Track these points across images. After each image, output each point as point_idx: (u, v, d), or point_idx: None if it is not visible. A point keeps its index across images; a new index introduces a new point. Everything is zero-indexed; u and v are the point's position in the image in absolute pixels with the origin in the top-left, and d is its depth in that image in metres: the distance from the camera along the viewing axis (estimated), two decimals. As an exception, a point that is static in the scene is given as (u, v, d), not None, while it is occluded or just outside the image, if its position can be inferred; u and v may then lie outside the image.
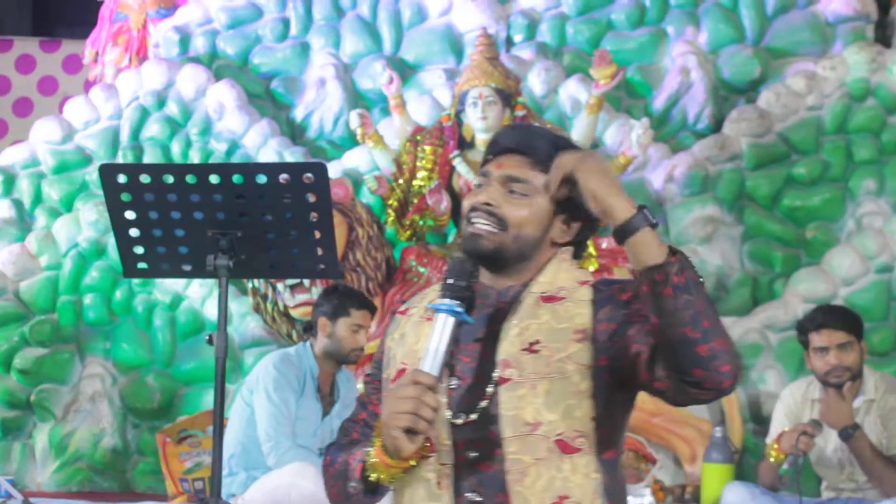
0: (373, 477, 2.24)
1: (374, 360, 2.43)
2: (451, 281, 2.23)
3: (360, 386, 6.14)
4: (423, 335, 2.28)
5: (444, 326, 2.20)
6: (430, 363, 2.19)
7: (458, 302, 2.21)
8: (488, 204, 2.30)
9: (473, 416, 2.22)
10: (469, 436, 2.22)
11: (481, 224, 2.30)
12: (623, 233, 2.15)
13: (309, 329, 5.24)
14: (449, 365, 2.24)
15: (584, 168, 2.18)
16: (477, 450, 2.22)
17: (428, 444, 2.21)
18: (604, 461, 2.25)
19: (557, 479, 2.19)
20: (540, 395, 2.20)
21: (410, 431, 2.15)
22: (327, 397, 5.18)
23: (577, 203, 2.26)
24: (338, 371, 5.22)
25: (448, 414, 2.24)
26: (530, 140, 2.34)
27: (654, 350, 2.16)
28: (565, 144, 2.35)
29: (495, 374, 2.22)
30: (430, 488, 2.23)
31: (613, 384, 2.23)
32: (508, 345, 2.24)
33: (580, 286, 2.29)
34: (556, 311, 2.25)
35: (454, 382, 2.26)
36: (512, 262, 2.32)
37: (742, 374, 2.17)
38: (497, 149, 2.36)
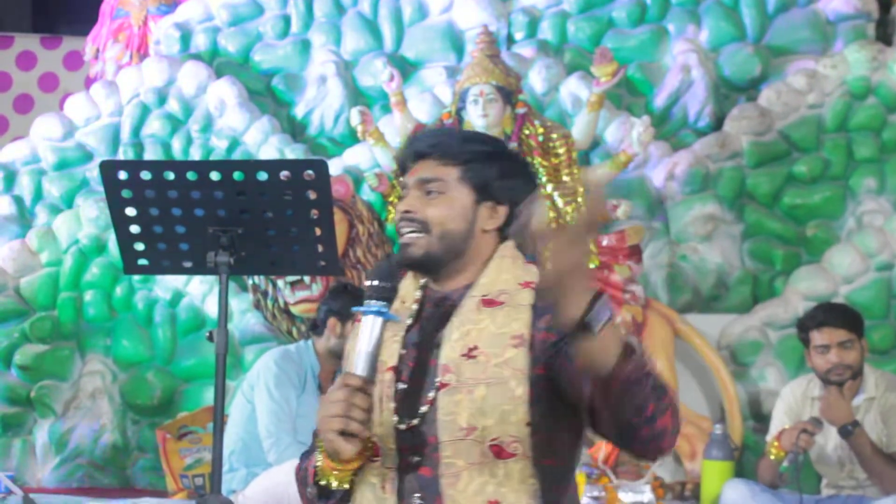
0: (323, 481, 2.28)
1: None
2: (374, 282, 2.25)
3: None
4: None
5: (371, 328, 2.24)
6: (361, 365, 2.23)
7: (382, 303, 2.24)
8: (408, 211, 2.32)
9: (415, 421, 2.25)
10: (411, 440, 2.24)
11: (407, 232, 2.32)
12: (579, 333, 1.99)
13: (315, 328, 5.23)
14: (397, 370, 2.28)
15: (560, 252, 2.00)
16: (418, 454, 2.24)
17: (371, 447, 2.24)
18: (543, 468, 2.24)
19: (490, 484, 2.20)
20: (476, 401, 2.21)
21: (346, 434, 2.18)
22: None
23: (498, 185, 2.31)
24: (338, 369, 5.22)
25: (394, 419, 2.27)
26: (433, 140, 2.36)
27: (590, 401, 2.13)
28: (472, 136, 2.41)
29: (437, 380, 2.25)
30: (376, 492, 2.26)
31: (552, 393, 2.22)
32: (449, 350, 2.26)
33: (522, 289, 2.29)
34: (495, 317, 2.26)
35: (401, 387, 2.29)
36: (447, 261, 2.33)
37: (678, 434, 2.13)
38: (408, 160, 2.39)
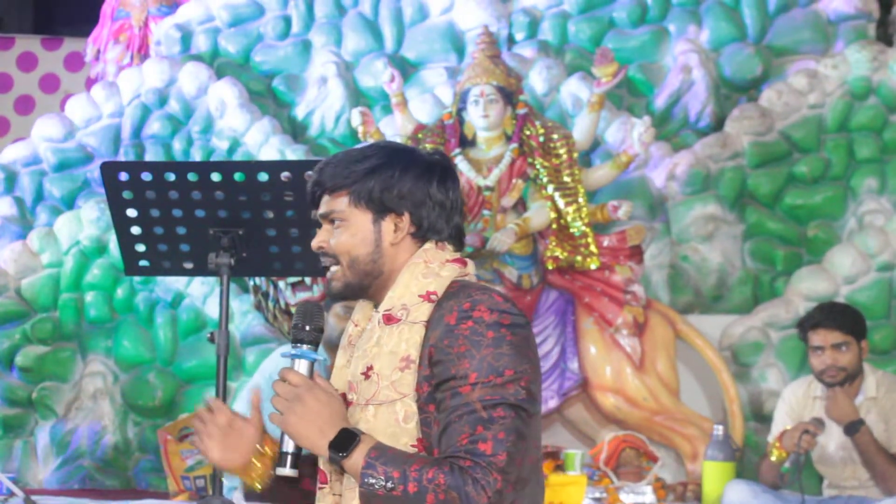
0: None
1: None
2: (303, 327, 2.30)
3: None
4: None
5: (298, 370, 2.29)
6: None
7: (309, 346, 2.30)
8: (319, 247, 2.37)
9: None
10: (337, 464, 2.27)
11: (327, 268, 2.36)
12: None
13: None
14: (345, 396, 2.32)
15: (286, 419, 2.24)
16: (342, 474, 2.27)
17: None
18: None
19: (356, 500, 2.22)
20: (370, 420, 2.23)
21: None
22: None
23: (388, 198, 2.31)
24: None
25: None
26: (317, 176, 2.38)
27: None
28: (353, 156, 2.36)
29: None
30: None
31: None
32: (354, 367, 2.29)
33: (421, 303, 2.26)
34: (391, 335, 2.26)
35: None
36: (368, 285, 2.34)
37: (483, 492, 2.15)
38: (310, 198, 2.41)
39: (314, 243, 2.37)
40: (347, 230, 2.33)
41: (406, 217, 2.33)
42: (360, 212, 2.33)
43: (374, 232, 2.33)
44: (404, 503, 2.13)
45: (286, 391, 2.23)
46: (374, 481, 2.13)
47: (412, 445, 2.20)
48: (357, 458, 2.16)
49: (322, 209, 2.37)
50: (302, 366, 2.28)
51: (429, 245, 2.35)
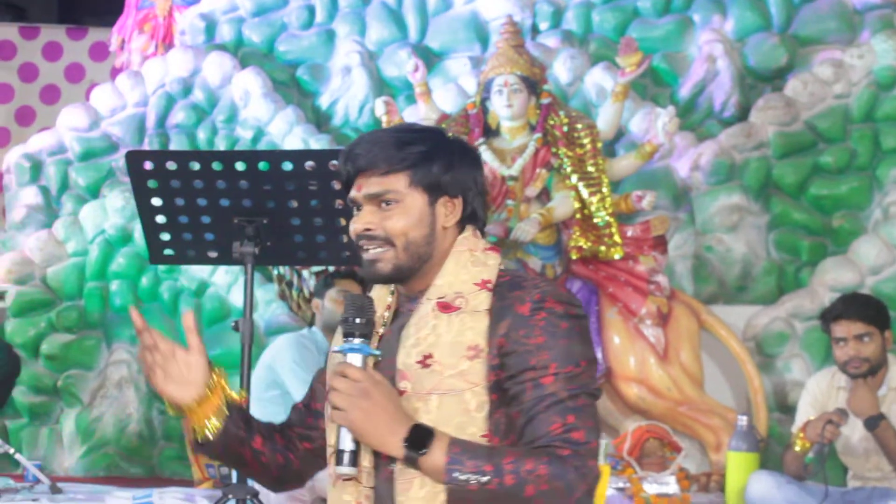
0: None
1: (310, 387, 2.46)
2: (354, 320, 2.23)
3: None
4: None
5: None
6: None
7: (360, 340, 2.22)
8: (367, 229, 2.28)
9: None
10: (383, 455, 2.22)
11: (371, 250, 2.28)
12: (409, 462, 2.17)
13: (311, 324, 5.41)
14: None
15: (351, 415, 2.17)
16: (382, 461, 2.21)
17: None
18: None
19: (442, 493, 2.16)
20: (432, 411, 2.19)
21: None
22: None
23: (448, 180, 2.28)
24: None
25: None
26: (371, 152, 2.30)
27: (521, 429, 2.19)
28: (408, 138, 2.31)
29: (396, 386, 2.22)
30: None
31: (509, 400, 2.21)
32: (405, 355, 2.22)
33: (479, 291, 2.24)
34: (451, 323, 2.22)
35: None
36: (417, 269, 2.30)
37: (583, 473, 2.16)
38: (349, 174, 2.33)
39: (360, 225, 2.29)
40: (404, 211, 2.28)
41: (458, 202, 2.32)
42: (418, 194, 2.28)
43: (429, 214, 2.30)
44: (499, 496, 2.12)
45: (348, 387, 2.15)
46: (464, 477, 2.11)
47: (482, 436, 2.18)
48: (438, 455, 2.12)
49: (372, 188, 2.29)
50: (356, 360, 2.20)
51: (467, 232, 2.33)
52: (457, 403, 2.19)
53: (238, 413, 2.37)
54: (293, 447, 2.41)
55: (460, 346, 2.20)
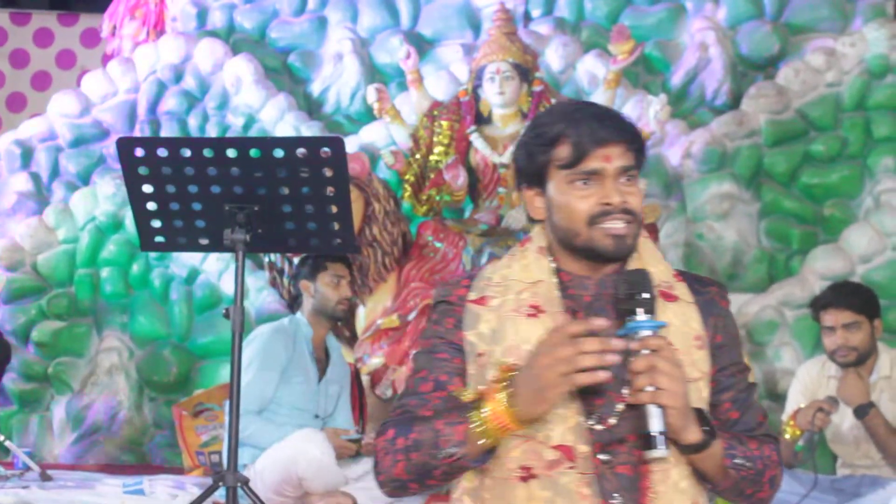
0: (480, 438, 2.13)
1: (440, 343, 2.29)
2: (644, 295, 2.14)
3: (376, 361, 6.15)
4: (527, 333, 2.19)
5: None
6: None
7: (648, 316, 2.13)
8: (625, 202, 2.21)
9: (612, 420, 2.17)
10: (608, 439, 2.16)
11: (621, 225, 2.21)
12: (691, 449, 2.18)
13: (294, 301, 5.32)
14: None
15: (676, 395, 2.10)
16: (613, 452, 2.16)
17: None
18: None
19: (684, 480, 2.19)
20: None
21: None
22: (322, 361, 5.22)
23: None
24: (327, 334, 5.27)
25: (584, 420, 2.16)
26: (621, 124, 2.25)
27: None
28: (626, 118, 2.31)
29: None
30: (572, 498, 2.14)
31: (717, 392, 2.28)
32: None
33: (678, 282, 2.27)
34: (675, 313, 2.22)
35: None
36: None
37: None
38: (592, 143, 2.22)
39: (618, 199, 2.21)
40: (639, 190, 2.26)
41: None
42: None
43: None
44: (753, 480, 2.21)
45: (671, 367, 2.08)
46: (740, 462, 2.17)
47: (713, 423, 2.20)
48: (718, 440, 2.17)
49: (623, 161, 2.22)
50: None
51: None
52: (694, 391, 2.19)
53: None
54: None
55: (688, 335, 2.21)
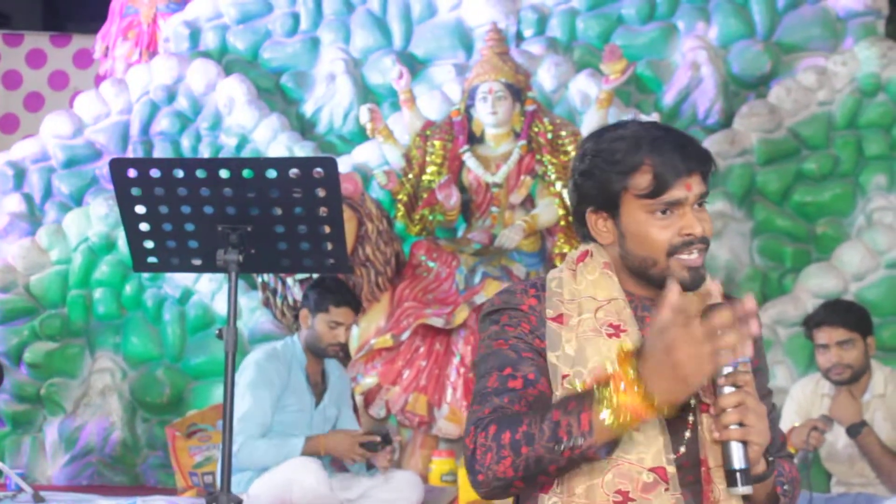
0: (609, 427, 2.03)
1: (521, 343, 2.22)
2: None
3: (369, 380, 6.15)
4: (609, 353, 2.15)
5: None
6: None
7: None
8: (703, 232, 2.21)
9: (682, 449, 2.17)
10: (683, 462, 2.16)
11: (697, 256, 2.21)
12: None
13: (296, 320, 5.28)
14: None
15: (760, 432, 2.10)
16: (692, 472, 2.16)
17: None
18: None
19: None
20: None
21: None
22: (319, 385, 5.19)
23: None
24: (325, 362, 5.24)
25: (669, 441, 2.15)
26: (705, 154, 2.24)
27: None
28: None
29: (693, 402, 2.16)
30: None
31: None
32: None
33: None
34: None
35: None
36: None
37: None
38: (680, 173, 2.19)
39: (699, 231, 2.20)
40: (707, 213, 2.25)
41: None
42: None
43: None
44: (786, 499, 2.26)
45: (756, 403, 2.08)
46: (787, 488, 2.26)
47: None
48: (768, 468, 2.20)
49: (701, 189, 2.21)
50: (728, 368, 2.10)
51: None
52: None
53: None
54: None
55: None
